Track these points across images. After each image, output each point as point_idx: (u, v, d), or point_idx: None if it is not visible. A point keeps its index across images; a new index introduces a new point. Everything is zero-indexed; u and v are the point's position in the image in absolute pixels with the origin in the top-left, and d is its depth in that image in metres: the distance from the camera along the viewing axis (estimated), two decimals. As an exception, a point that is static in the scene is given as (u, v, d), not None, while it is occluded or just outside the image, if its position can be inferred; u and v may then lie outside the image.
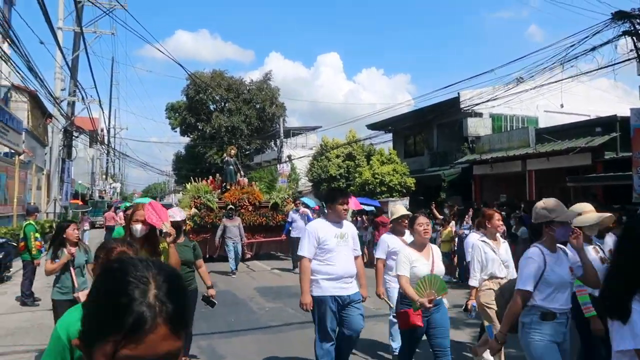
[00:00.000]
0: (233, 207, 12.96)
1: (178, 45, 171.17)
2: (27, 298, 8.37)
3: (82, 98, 23.14)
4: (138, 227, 3.57)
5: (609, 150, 14.82)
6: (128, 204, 27.54)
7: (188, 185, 15.47)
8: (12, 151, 18.01)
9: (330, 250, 4.36)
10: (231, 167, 15.24)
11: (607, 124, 15.13)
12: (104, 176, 50.11)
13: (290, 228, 12.68)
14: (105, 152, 43.38)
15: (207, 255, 12.07)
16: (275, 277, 12.03)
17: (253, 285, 10.66)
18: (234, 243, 11.90)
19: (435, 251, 4.41)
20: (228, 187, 14.93)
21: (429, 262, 4.22)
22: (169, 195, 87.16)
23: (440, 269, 4.30)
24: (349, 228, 4.62)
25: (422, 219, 4.37)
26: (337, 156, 25.21)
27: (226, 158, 15.69)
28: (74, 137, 24.53)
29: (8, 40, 13.50)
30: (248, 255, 13.63)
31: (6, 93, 21.09)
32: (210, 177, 15.96)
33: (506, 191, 18.37)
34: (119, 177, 64.25)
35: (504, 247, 4.91)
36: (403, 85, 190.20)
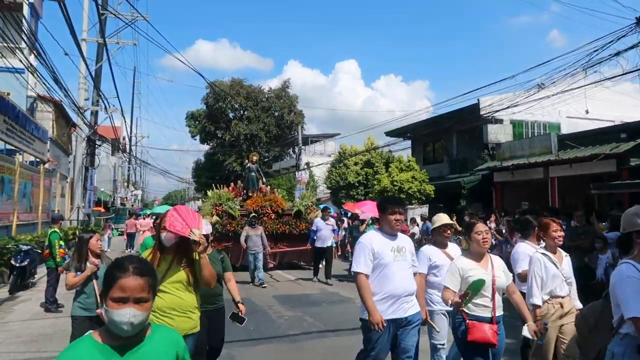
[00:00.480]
0: (256, 214, 12.60)
1: (198, 54, 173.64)
2: (51, 305, 8.52)
3: (105, 107, 23.63)
4: (167, 236, 3.23)
5: (634, 156, 14.47)
6: (148, 211, 27.94)
7: (209, 193, 15.14)
8: (38, 160, 18.44)
9: (386, 266, 3.84)
10: (253, 173, 14.92)
11: (633, 129, 14.78)
12: (125, 184, 50.90)
13: (314, 237, 12.31)
14: (127, 160, 44.08)
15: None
16: (295, 285, 11.96)
17: (272, 293, 10.66)
18: (254, 253, 11.56)
19: (496, 261, 3.91)
20: (250, 195, 14.63)
21: (488, 271, 3.77)
22: (189, 202, 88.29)
23: (501, 280, 3.82)
24: (405, 241, 4.08)
25: (480, 227, 3.89)
26: (356, 163, 25.17)
27: (248, 164, 15.28)
28: (96, 146, 25.01)
29: (34, 52, 13.87)
30: (271, 265, 13.38)
31: (32, 103, 21.64)
32: (232, 184, 15.59)
33: (528, 198, 18.07)
34: (140, 184, 65.20)
35: (567, 261, 4.34)
36: (422, 92, 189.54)
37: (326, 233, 12.15)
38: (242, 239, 11.80)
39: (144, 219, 21.42)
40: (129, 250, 20.21)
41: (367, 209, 13.92)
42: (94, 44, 23.54)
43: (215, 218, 13.20)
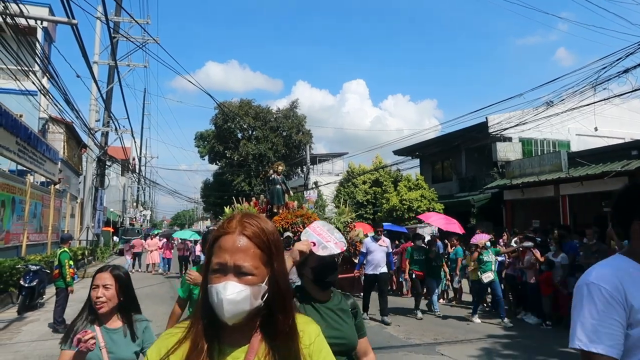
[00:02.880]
0: (290, 235, 10.38)
1: (208, 75, 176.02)
2: (59, 325, 8.47)
3: (115, 128, 23.91)
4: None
5: (646, 173, 14.32)
6: (157, 232, 27.99)
7: (226, 210, 13.33)
8: (48, 180, 18.61)
9: None
10: (278, 186, 12.74)
11: (644, 146, 14.67)
12: (134, 204, 51.14)
13: (364, 262, 10.10)
14: (136, 180, 44.40)
15: None
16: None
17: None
18: (291, 284, 9.29)
19: None
20: (275, 211, 12.57)
21: None
22: (197, 222, 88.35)
23: None
24: None
25: None
26: (364, 182, 25.14)
27: (272, 176, 13.09)
28: (106, 166, 25.24)
29: (47, 74, 14.12)
30: None
31: (44, 125, 21.94)
32: (253, 199, 13.67)
33: (539, 217, 17.88)
34: (149, 204, 65.48)
35: None
36: (430, 111, 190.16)
37: (379, 256, 9.85)
38: None
39: (152, 239, 21.44)
40: (133, 270, 20.21)
41: (436, 221, 13.31)
42: (105, 66, 24.00)
43: None
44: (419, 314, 9.96)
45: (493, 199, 20.03)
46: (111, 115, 23.25)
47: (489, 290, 10.05)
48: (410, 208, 20.82)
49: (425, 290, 10.85)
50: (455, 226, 13.17)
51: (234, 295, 1.13)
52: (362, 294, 11.97)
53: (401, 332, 8.58)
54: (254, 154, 40.24)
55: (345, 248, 2.23)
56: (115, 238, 31.77)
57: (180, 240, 19.86)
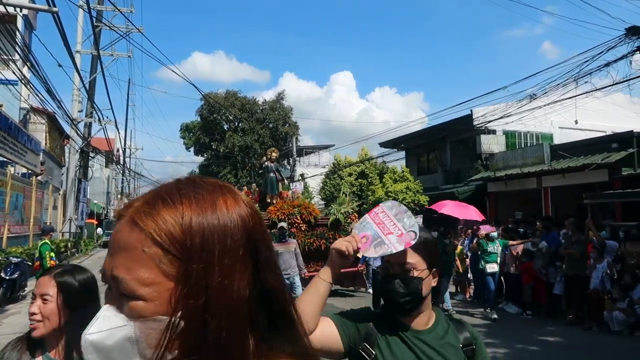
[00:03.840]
0: (285, 224, 9.38)
1: (195, 66, 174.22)
2: (41, 317, 8.42)
3: (99, 119, 23.60)
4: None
5: (626, 166, 14.60)
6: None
7: None
8: (30, 172, 18.34)
9: None
10: (272, 174, 11.85)
11: (624, 139, 14.94)
12: (119, 196, 50.68)
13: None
14: (121, 172, 43.96)
15: None
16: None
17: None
18: (288, 278, 8.18)
19: None
20: (269, 201, 11.72)
21: None
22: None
23: None
24: None
25: None
26: (350, 174, 25.22)
27: (265, 163, 12.15)
28: (90, 158, 24.94)
29: (28, 63, 13.89)
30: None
31: (25, 115, 21.59)
32: (245, 188, 12.86)
33: (522, 208, 18.16)
34: (134, 196, 64.90)
35: None
36: (416, 103, 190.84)
37: None
38: None
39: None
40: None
41: (450, 210, 11.51)
42: (88, 55, 23.63)
43: None
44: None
45: (477, 190, 20.25)
46: (94, 105, 22.95)
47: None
48: (395, 200, 20.96)
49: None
50: (472, 212, 11.76)
51: (95, 336, 0.61)
52: (363, 289, 11.67)
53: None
54: (240, 145, 40.07)
55: (414, 241, 1.45)
56: (99, 230, 31.49)
57: None
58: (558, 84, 12.65)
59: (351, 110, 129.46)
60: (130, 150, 50.31)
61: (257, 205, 10.81)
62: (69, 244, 19.97)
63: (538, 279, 9.35)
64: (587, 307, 8.12)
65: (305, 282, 8.75)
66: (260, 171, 13.30)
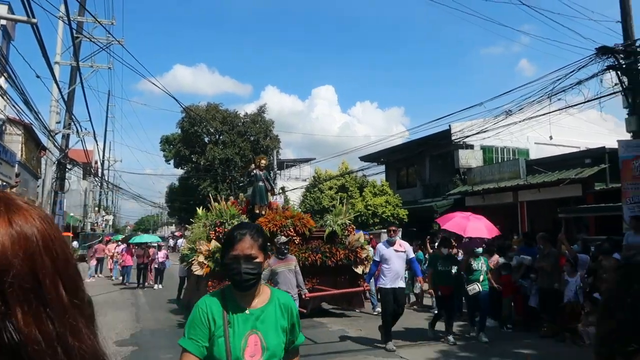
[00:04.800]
0: (285, 238, 8.16)
1: (176, 79, 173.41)
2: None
3: (77, 131, 23.24)
4: None
5: (598, 181, 14.98)
6: (120, 237, 27.35)
7: (199, 211, 11.57)
8: (5, 184, 17.94)
9: None
10: (261, 183, 10.91)
11: (596, 155, 15.35)
12: (96, 208, 49.79)
13: (375, 272, 8.25)
14: (99, 184, 43.26)
15: None
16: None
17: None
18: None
19: None
20: (258, 212, 10.72)
21: None
22: (162, 227, 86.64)
23: None
24: None
25: None
26: (330, 188, 25.28)
27: (254, 171, 11.12)
28: (67, 170, 24.51)
29: (5, 74, 13.67)
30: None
31: (0, 126, 21.18)
32: (231, 198, 12.02)
33: (499, 222, 18.44)
34: (112, 209, 63.85)
35: None
36: (397, 118, 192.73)
37: (397, 265, 7.70)
38: (264, 277, 6.66)
39: (115, 244, 20.83)
40: (97, 275, 19.67)
41: (454, 226, 9.05)
42: (67, 67, 23.34)
43: (214, 244, 9.28)
44: (451, 339, 7.84)
45: (455, 204, 20.49)
46: (73, 117, 22.62)
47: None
48: (375, 213, 21.06)
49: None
50: (481, 227, 9.14)
51: None
52: (358, 309, 10.60)
53: (362, 335, 8.65)
54: (220, 158, 39.89)
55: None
56: (75, 244, 30.83)
57: (140, 246, 17.24)
58: (533, 101, 12.96)
59: (333, 124, 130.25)
60: (109, 162, 49.66)
61: (244, 216, 10.26)
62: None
63: (517, 292, 9.47)
64: (562, 319, 8.25)
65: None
66: (248, 180, 12.39)
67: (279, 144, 43.12)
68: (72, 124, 22.74)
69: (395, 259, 7.69)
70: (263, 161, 11.50)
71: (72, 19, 18.73)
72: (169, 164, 45.16)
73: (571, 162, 16.03)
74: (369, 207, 21.41)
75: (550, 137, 16.39)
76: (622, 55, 11.06)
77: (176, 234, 52.61)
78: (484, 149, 21.42)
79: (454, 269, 8.37)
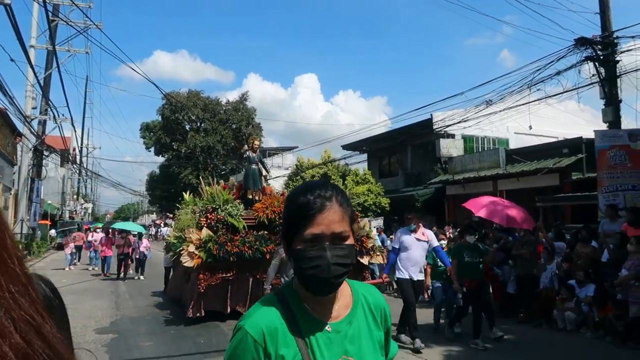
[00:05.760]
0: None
1: (157, 65, 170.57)
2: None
3: (54, 117, 22.77)
4: None
5: (575, 171, 15.28)
6: (100, 224, 27.00)
7: (186, 196, 10.77)
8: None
9: None
10: (254, 166, 10.14)
11: (574, 145, 15.63)
12: (75, 196, 49.02)
13: (394, 262, 7.12)
14: (77, 171, 42.54)
15: (229, 310, 8.56)
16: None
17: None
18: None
19: None
20: (251, 197, 9.93)
21: None
22: (142, 216, 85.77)
23: None
24: None
25: None
26: (313, 176, 25.28)
27: (247, 153, 10.33)
28: (44, 157, 24.03)
29: (-23, 57, 13.26)
30: None
31: (-26, 111, 20.61)
32: (221, 182, 10.94)
33: (478, 211, 18.70)
34: (91, 197, 62.92)
35: None
36: (380, 107, 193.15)
37: (417, 254, 6.96)
38: (273, 270, 6.32)
39: (94, 232, 20.46)
40: (74, 263, 19.37)
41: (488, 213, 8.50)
42: (43, 51, 22.79)
43: (205, 232, 8.49)
44: (481, 344, 6.86)
45: (436, 193, 20.71)
46: (49, 102, 22.14)
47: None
48: (357, 202, 21.15)
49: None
50: (516, 215, 8.39)
51: None
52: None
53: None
54: (202, 146, 39.57)
55: None
56: (52, 232, 30.37)
57: (120, 234, 16.46)
58: (513, 91, 13.14)
59: (316, 112, 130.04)
60: (88, 149, 48.83)
61: (238, 201, 9.53)
62: (20, 246, 19.12)
63: (494, 280, 9.64)
64: (537, 305, 8.44)
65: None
66: (241, 162, 11.10)
67: (262, 132, 42.97)
68: (49, 109, 22.28)
69: (416, 247, 6.94)
70: (256, 142, 10.56)
71: (47, 0, 18.26)
72: (150, 151, 44.70)
73: (549, 152, 16.30)
74: (351, 196, 21.50)
75: (530, 127, 16.63)
76: (600, 47, 11.25)
77: (157, 222, 52.17)
78: (465, 138, 21.62)
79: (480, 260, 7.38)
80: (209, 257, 8.16)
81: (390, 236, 13.42)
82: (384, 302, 1.34)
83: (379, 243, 11.19)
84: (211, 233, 8.43)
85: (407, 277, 6.89)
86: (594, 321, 7.45)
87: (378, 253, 9.90)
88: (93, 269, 18.01)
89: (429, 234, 7.20)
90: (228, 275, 8.42)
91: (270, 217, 9.05)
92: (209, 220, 8.70)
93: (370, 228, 10.38)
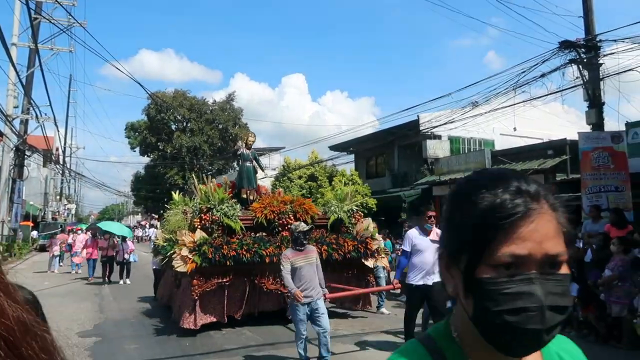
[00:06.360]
0: (306, 226, 6.47)
1: (142, 64, 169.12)
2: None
3: (36, 116, 22.46)
4: None
5: (560, 172, 15.48)
6: (84, 226, 26.66)
7: (175, 196, 10.19)
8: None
9: None
10: (249, 163, 9.63)
11: (558, 147, 15.83)
12: (58, 197, 48.37)
13: (407, 265, 6.45)
14: (60, 172, 41.99)
15: (226, 319, 8.00)
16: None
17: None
18: (310, 302, 5.73)
19: None
20: (244, 196, 9.37)
21: None
22: (127, 217, 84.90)
23: None
24: None
25: None
26: (300, 177, 25.28)
27: (241, 150, 9.78)
28: (26, 157, 23.68)
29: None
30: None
31: (-47, 110, 20.23)
32: (214, 180, 9.92)
33: (464, 212, 18.84)
34: (75, 198, 62.15)
35: None
36: (367, 108, 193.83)
37: (430, 257, 6.08)
38: (287, 274, 5.77)
39: (75, 233, 20.06)
40: (60, 265, 19.09)
41: None
42: (25, 49, 22.48)
43: (199, 235, 7.93)
44: None
45: (423, 194, 20.82)
46: (32, 101, 21.83)
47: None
48: (324, 205, 21.19)
49: None
50: None
51: None
52: (363, 308, 9.25)
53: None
54: (188, 146, 39.35)
55: None
56: (34, 233, 29.93)
57: (103, 236, 15.58)
58: (498, 93, 13.27)
59: (303, 113, 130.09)
60: (71, 149, 48.22)
61: (233, 201, 8.84)
62: (1, 248, 18.87)
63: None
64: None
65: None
66: (235, 159, 10.76)
67: (249, 131, 42.87)
68: (31, 108, 21.96)
69: (430, 250, 6.10)
70: (251, 138, 10.02)
71: (30, -2, 17.99)
72: (135, 151, 44.33)
73: (534, 153, 16.49)
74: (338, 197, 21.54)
75: (515, 129, 16.82)
76: (583, 50, 11.42)
77: (142, 222, 51.69)
78: (451, 139, 21.78)
79: None
80: (203, 261, 7.55)
81: (397, 240, 12.91)
82: (577, 351, 0.97)
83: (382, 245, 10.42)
84: (206, 235, 7.92)
85: (418, 282, 6.18)
86: (578, 320, 7.56)
87: (383, 255, 9.49)
88: (76, 272, 17.44)
89: (437, 232, 6.28)
90: (224, 280, 7.85)
91: (269, 217, 8.54)
92: (203, 222, 8.16)
93: (374, 229, 9.80)
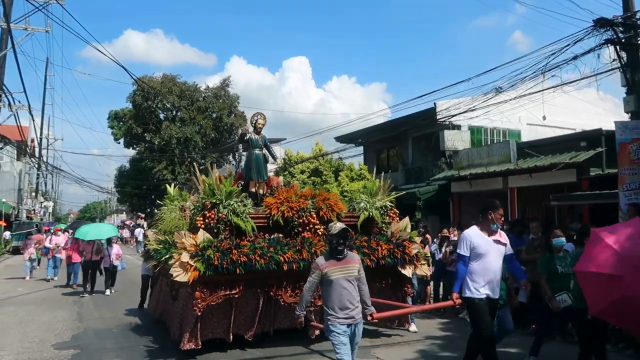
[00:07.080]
0: (341, 226, 5.18)
1: (127, 46, 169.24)
2: None
3: (9, 103, 22.54)
4: None
5: (594, 166, 15.37)
6: (63, 225, 26.77)
7: (170, 189, 9.73)
8: None
9: None
10: (258, 151, 8.93)
11: (592, 138, 15.72)
12: (33, 194, 48.63)
13: (464, 275, 5.52)
14: (36, 166, 42.18)
15: (232, 338, 7.46)
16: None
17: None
18: (352, 325, 4.85)
19: None
20: (253, 190, 8.71)
21: None
22: (111, 215, 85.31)
23: None
24: None
25: None
26: (302, 171, 25.27)
27: (248, 135, 9.02)
28: (-2, 149, 23.79)
29: None
30: (317, 333, 7.59)
31: None
32: (216, 171, 9.11)
33: (487, 211, 18.76)
34: (52, 194, 62.47)
35: None
36: (378, 95, 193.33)
37: (495, 264, 5.48)
38: (308, 291, 5.09)
39: (54, 235, 20.04)
40: (35, 267, 19.10)
41: None
42: (-4, 29, 22.50)
43: (203, 236, 7.34)
44: None
45: (440, 191, 20.77)
46: (4, 87, 21.89)
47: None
48: (352, 200, 21.17)
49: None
50: None
51: None
52: (399, 326, 8.74)
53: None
54: (178, 137, 39.40)
55: None
56: (7, 234, 30.10)
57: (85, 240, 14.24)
58: (525, 77, 13.15)
59: (307, 100, 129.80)
60: (48, 140, 48.42)
61: (244, 195, 8.17)
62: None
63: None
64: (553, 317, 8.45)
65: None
66: (242, 145, 10.23)
67: (245, 121, 42.84)
68: (3, 95, 22.02)
69: (494, 254, 5.47)
70: (261, 121, 9.07)
71: (1, -28, 18.02)
72: (119, 143, 44.46)
73: (565, 145, 16.38)
74: (345, 194, 21.46)
75: (544, 118, 16.69)
76: (621, 29, 11.28)
77: (127, 222, 51.91)
78: (472, 129, 21.68)
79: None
80: (208, 268, 6.85)
81: (434, 240, 12.26)
82: None
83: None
84: (210, 237, 7.28)
85: (483, 296, 5.38)
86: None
87: (423, 262, 8.86)
88: (51, 279, 16.99)
89: (505, 237, 5.76)
90: (233, 292, 7.12)
91: (287, 215, 7.82)
92: (207, 220, 7.50)
93: (411, 230, 9.24)
